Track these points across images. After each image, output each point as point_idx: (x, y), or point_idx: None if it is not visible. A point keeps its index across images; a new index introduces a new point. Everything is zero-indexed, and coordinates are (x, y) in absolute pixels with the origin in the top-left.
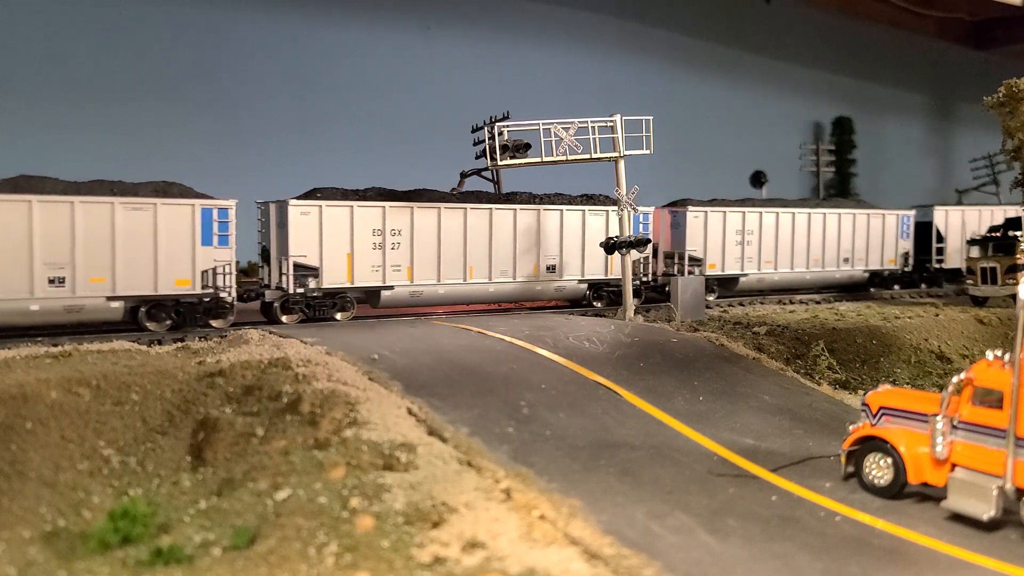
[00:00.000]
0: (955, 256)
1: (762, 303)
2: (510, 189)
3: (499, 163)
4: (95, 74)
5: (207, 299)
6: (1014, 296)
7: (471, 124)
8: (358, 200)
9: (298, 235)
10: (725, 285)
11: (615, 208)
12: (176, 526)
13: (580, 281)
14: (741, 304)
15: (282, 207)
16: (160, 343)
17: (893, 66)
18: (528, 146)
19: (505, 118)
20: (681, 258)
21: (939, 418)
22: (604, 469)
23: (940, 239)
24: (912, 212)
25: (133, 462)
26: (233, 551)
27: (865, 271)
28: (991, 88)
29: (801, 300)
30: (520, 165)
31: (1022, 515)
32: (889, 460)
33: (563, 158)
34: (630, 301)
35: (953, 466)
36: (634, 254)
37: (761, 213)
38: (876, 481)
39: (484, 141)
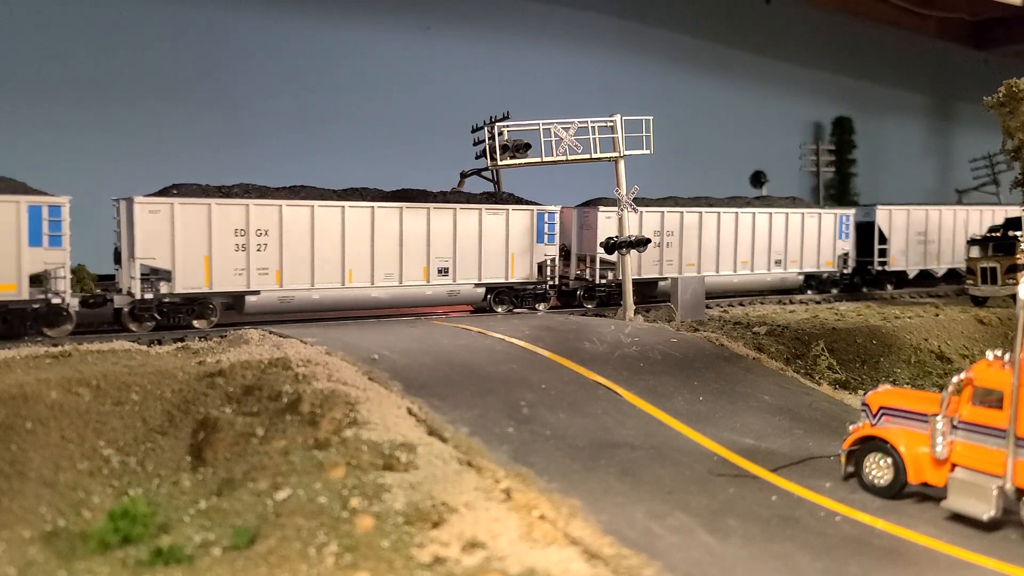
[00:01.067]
0: (900, 258)
1: (762, 303)
2: (509, 189)
3: (499, 163)
4: (94, 74)
5: (38, 305)
6: (1014, 296)
7: (471, 124)
8: (219, 197)
9: (146, 235)
10: (640, 291)
11: (520, 207)
12: (176, 526)
13: (477, 285)
14: (741, 304)
15: (129, 205)
16: (160, 343)
17: (893, 66)
18: (528, 146)
19: (505, 118)
20: (592, 260)
21: (939, 418)
22: (604, 469)
23: (883, 240)
24: (852, 211)
25: (133, 462)
26: (233, 551)
27: (800, 273)
28: (991, 88)
29: (801, 300)
30: (520, 165)
31: (1022, 515)
32: (889, 460)
33: (563, 158)
34: (630, 301)
35: (953, 466)
36: (540, 254)
37: (682, 213)
38: (876, 481)
39: (484, 141)
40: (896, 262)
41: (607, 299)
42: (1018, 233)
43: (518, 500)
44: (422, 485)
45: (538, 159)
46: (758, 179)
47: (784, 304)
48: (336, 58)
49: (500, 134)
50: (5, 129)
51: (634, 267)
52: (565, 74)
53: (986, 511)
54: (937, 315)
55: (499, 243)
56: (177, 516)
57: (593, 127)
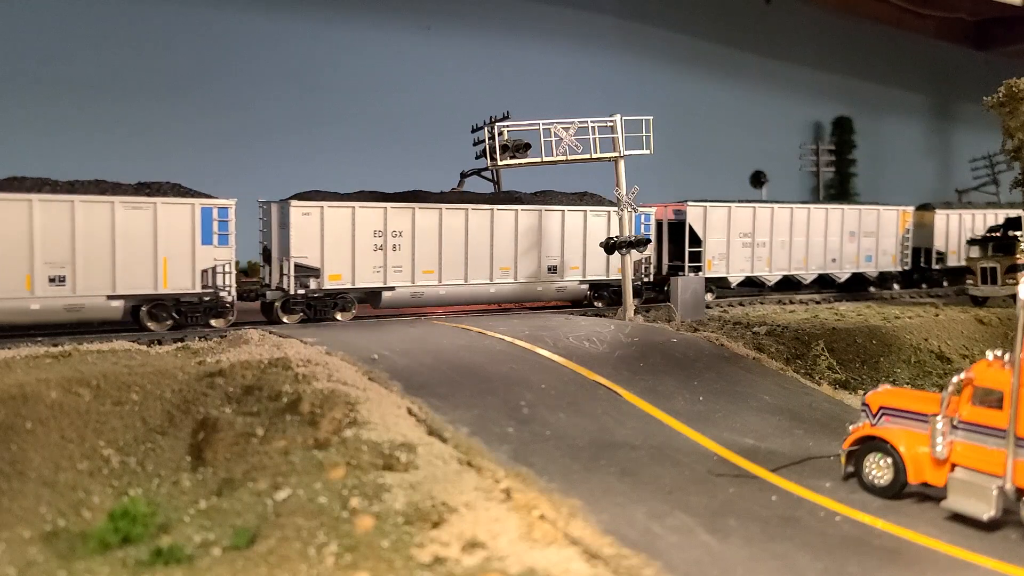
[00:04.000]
0: (719, 263)
1: (761, 303)
2: (509, 189)
3: (499, 163)
4: (93, 74)
5: None
6: (1014, 296)
7: (471, 124)
8: None
9: None
10: (363, 301)
11: (175, 200)
12: (176, 526)
13: (112, 297)
14: (741, 304)
15: None
16: (160, 343)
17: (893, 66)
18: (528, 146)
19: (505, 118)
20: (290, 267)
21: (939, 418)
22: (604, 469)
23: (696, 242)
24: (652, 209)
25: (133, 462)
26: (233, 551)
27: (583, 282)
28: (991, 88)
29: (801, 300)
30: (520, 165)
31: (1022, 515)
32: (889, 460)
33: (563, 158)
34: (630, 301)
35: (953, 466)
36: (208, 259)
37: (414, 210)
38: (876, 481)
39: (484, 141)
40: (714, 267)
41: (312, 313)
42: (1018, 233)
43: (518, 500)
44: (422, 485)
45: (538, 159)
46: (758, 179)
47: (784, 304)
48: (336, 58)
49: (500, 134)
50: (8, 129)
51: (345, 275)
52: (565, 74)
53: (986, 511)
54: (937, 315)
55: (145, 244)
56: (177, 516)
57: (593, 127)
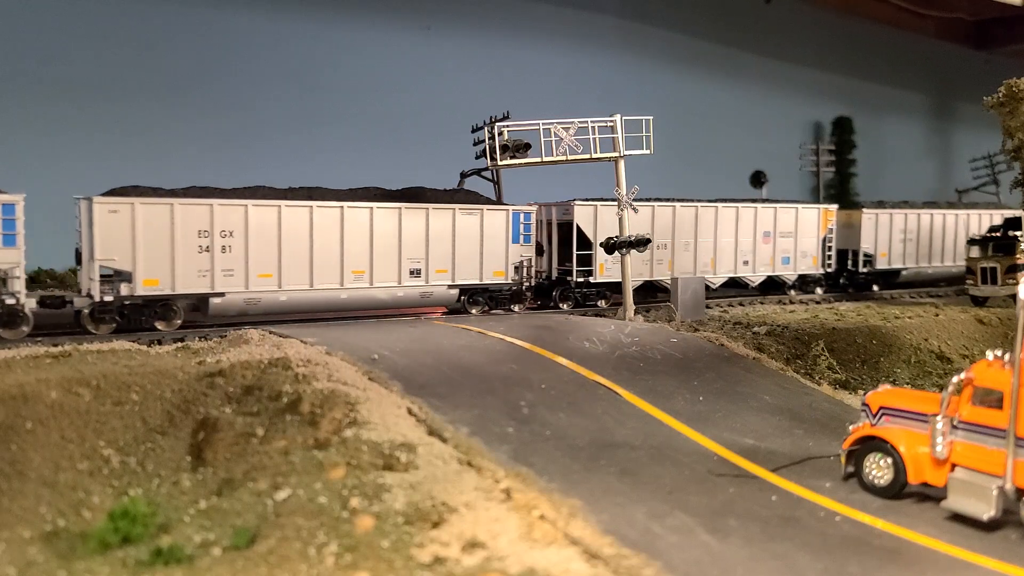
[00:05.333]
0: (612, 267)
1: (762, 303)
2: (509, 189)
3: (499, 163)
4: (93, 74)
5: None
6: (1014, 296)
7: (471, 124)
8: None
9: None
10: (196, 309)
11: None
12: (176, 526)
13: None
14: (741, 304)
15: None
16: (160, 343)
17: (893, 66)
18: (528, 146)
19: (505, 118)
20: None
21: (939, 418)
22: (604, 469)
23: (585, 244)
24: (533, 208)
25: (133, 462)
26: (233, 551)
27: (452, 287)
28: (991, 88)
29: (801, 300)
30: (520, 165)
31: (1022, 515)
32: (889, 460)
33: (563, 158)
34: (630, 301)
35: (953, 466)
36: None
37: (247, 207)
38: (876, 481)
39: (484, 141)
40: (607, 271)
41: (127, 322)
42: (1018, 233)
43: (518, 500)
44: (422, 485)
45: (538, 159)
46: (758, 179)
47: (784, 304)
48: (335, 58)
49: (500, 134)
50: (8, 129)
51: (164, 279)
52: (565, 74)
53: (986, 511)
54: (937, 315)
55: None
56: (177, 516)
57: (593, 127)
